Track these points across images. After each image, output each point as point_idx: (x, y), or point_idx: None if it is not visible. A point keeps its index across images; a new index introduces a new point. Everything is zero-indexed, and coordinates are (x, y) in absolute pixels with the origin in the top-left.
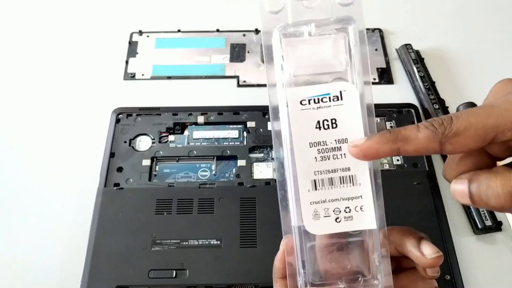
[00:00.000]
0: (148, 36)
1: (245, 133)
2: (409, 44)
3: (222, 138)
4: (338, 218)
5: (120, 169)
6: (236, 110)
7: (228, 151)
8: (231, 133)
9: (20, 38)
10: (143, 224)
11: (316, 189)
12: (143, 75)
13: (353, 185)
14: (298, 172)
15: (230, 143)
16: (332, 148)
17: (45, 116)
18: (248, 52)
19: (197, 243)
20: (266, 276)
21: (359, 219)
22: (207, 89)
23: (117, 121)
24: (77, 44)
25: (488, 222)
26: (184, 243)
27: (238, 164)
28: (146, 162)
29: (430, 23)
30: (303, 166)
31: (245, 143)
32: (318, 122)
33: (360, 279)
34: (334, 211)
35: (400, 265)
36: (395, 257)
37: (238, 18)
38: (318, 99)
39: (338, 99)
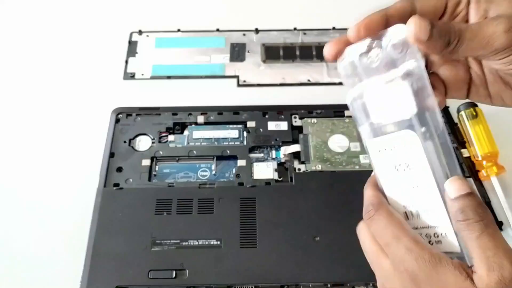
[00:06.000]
0: (148, 35)
1: (245, 133)
2: None
3: (222, 138)
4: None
5: (119, 169)
6: (236, 110)
7: (228, 151)
8: (231, 133)
9: (19, 38)
10: (142, 224)
11: (407, 219)
12: (142, 74)
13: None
14: (391, 203)
15: (230, 143)
16: (410, 187)
17: (44, 116)
18: (248, 51)
19: (197, 243)
20: (266, 276)
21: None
22: (207, 89)
23: (117, 121)
24: (76, 44)
25: None
26: (184, 243)
27: (238, 164)
28: (146, 162)
29: None
30: (394, 199)
31: (245, 143)
32: (395, 166)
33: None
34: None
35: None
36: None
37: (238, 18)
38: (390, 146)
39: (404, 146)
